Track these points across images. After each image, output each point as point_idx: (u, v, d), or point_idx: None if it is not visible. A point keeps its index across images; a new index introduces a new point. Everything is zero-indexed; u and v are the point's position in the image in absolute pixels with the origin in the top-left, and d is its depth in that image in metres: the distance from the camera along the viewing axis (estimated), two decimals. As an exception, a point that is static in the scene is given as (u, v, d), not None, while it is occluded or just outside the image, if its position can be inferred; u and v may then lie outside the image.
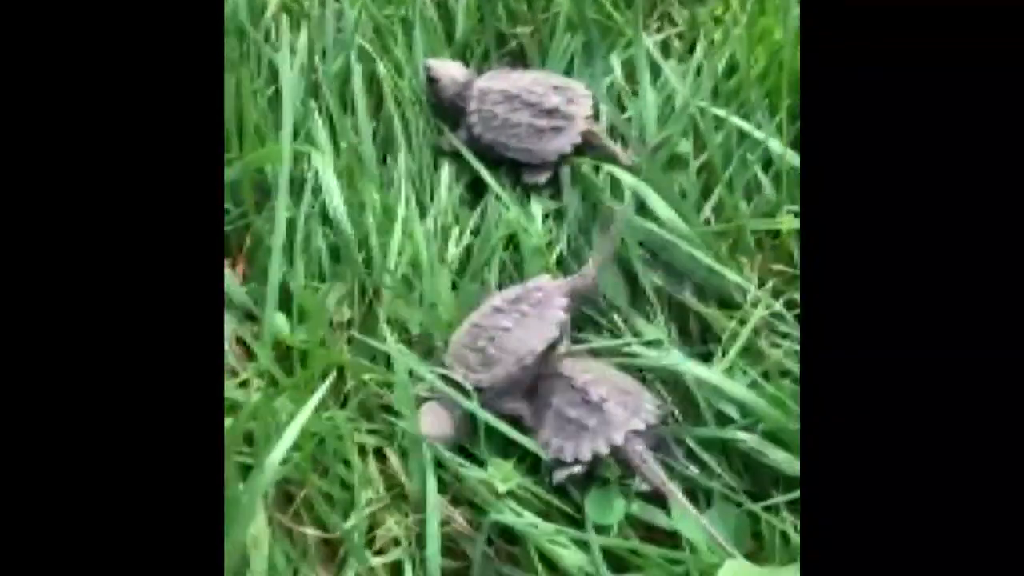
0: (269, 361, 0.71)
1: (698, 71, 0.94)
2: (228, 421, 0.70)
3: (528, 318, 0.76)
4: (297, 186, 0.84)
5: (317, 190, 0.83)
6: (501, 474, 0.69)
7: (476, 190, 0.92)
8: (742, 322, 0.77)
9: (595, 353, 0.79)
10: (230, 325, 0.81)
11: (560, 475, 0.71)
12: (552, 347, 0.75)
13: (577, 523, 0.70)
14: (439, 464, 0.71)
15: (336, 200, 0.81)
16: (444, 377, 0.74)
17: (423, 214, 0.87)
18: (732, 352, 0.75)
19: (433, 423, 0.72)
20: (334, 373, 0.69)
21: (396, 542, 0.69)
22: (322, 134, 0.87)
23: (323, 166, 0.83)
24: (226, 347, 0.78)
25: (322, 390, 0.65)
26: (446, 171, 0.91)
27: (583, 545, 0.68)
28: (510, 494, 0.69)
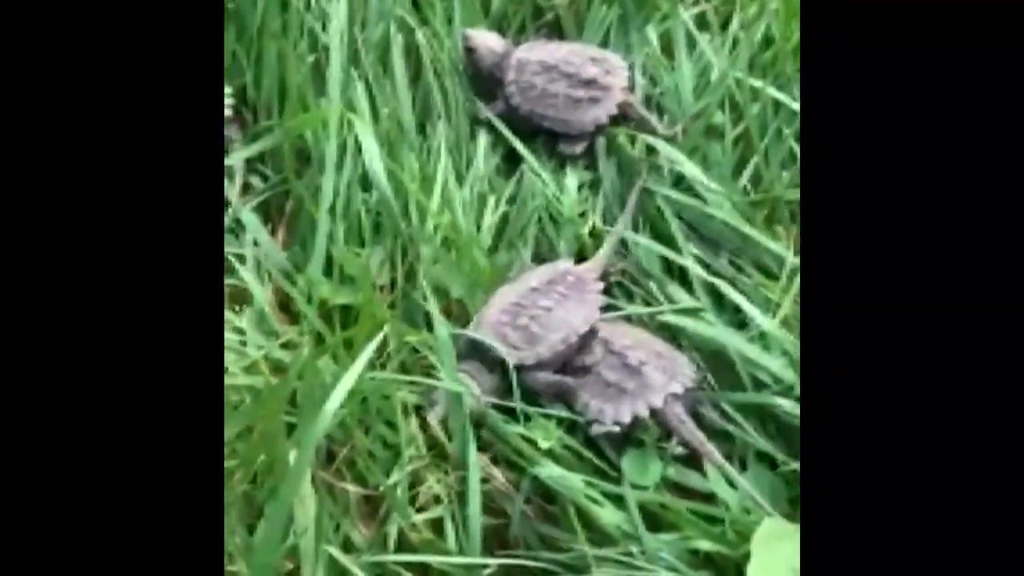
0: (316, 319, 0.72)
1: (734, 44, 0.95)
2: (274, 380, 0.72)
3: (568, 299, 0.77)
4: (338, 152, 0.85)
5: (358, 156, 0.84)
6: (543, 432, 0.70)
7: (512, 160, 0.93)
8: (783, 291, 0.78)
9: (631, 319, 0.80)
10: (270, 289, 0.83)
11: (598, 429, 0.72)
12: (592, 328, 0.77)
13: (615, 484, 0.71)
14: (479, 423, 0.72)
15: (377, 165, 0.82)
16: (480, 348, 0.75)
17: (460, 183, 0.88)
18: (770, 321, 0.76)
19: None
20: (382, 333, 0.70)
21: (437, 500, 0.71)
22: (363, 101, 0.88)
23: (364, 132, 0.84)
24: (267, 311, 0.80)
25: (370, 348, 0.66)
26: (483, 141, 0.92)
27: (621, 505, 0.69)
28: (549, 454, 0.70)
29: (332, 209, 0.81)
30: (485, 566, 0.67)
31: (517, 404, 0.72)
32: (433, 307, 0.76)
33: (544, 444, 0.70)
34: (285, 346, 0.77)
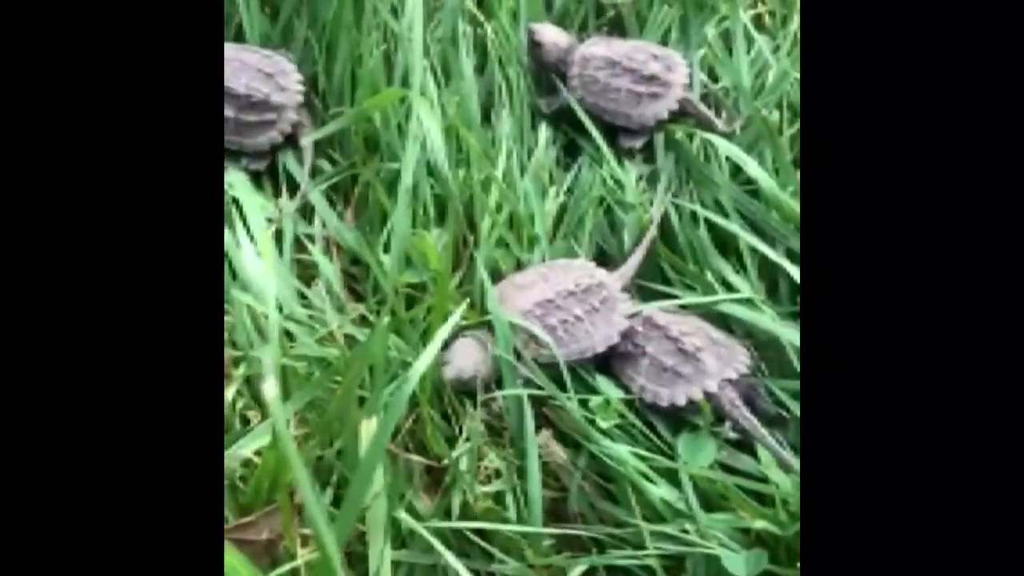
0: (392, 297, 0.75)
1: (792, 45, 0.97)
2: (348, 353, 0.75)
3: (599, 314, 0.79)
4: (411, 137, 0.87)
5: (424, 142, 0.87)
6: (603, 412, 0.73)
7: (570, 153, 0.95)
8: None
9: (685, 307, 0.83)
10: (339, 267, 0.86)
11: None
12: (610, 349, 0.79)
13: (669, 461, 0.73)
14: (539, 400, 0.74)
15: (440, 151, 0.85)
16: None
17: (522, 172, 0.91)
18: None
19: (466, 359, 0.75)
20: (457, 314, 0.72)
21: (497, 474, 0.73)
22: (432, 90, 0.91)
23: (428, 116, 0.86)
24: (337, 288, 0.83)
25: (446, 329, 0.68)
26: (543, 132, 0.95)
27: (675, 483, 0.72)
28: (606, 432, 0.73)
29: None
30: (544, 536, 0.69)
31: (565, 395, 0.74)
32: (490, 292, 0.78)
33: (604, 424, 0.72)
34: (353, 322, 0.80)
